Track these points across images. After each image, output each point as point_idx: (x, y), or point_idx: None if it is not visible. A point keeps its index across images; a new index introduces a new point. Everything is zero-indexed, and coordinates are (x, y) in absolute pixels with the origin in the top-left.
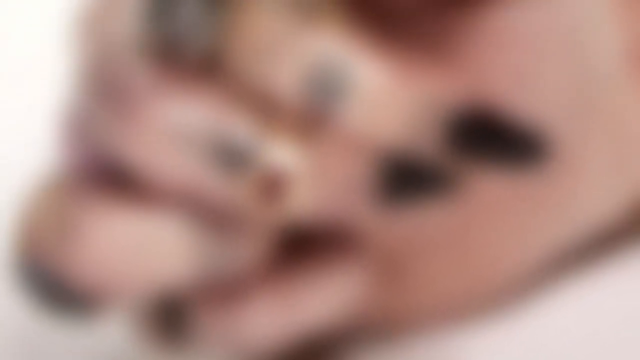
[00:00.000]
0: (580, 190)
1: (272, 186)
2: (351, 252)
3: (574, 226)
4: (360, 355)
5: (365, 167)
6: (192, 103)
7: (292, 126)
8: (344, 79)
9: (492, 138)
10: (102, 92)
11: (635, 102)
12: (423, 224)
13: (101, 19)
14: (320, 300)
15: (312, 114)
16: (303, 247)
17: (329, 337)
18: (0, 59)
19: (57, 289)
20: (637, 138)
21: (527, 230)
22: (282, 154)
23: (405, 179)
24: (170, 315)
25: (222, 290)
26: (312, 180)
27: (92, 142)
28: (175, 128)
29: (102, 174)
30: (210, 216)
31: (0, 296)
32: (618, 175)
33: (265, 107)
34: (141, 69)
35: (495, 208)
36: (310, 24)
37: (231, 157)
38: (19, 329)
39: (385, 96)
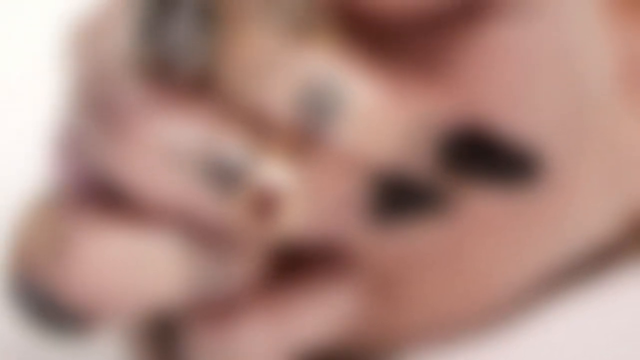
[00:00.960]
0: (573, 208)
1: (264, 204)
2: (344, 270)
3: (567, 244)
4: None
5: (358, 186)
6: (184, 121)
7: (285, 145)
8: (337, 97)
9: (485, 156)
10: (95, 110)
11: (628, 120)
12: (416, 242)
13: (94, 37)
14: (313, 318)
15: (304, 133)
16: (296, 265)
17: (322, 355)
18: None
19: (50, 307)
20: (630, 156)
21: (520, 249)
22: (275, 172)
23: (398, 197)
24: (164, 334)
25: (215, 309)
26: (305, 198)
27: (85, 160)
28: (168, 146)
29: (95, 192)
30: (203, 234)
31: None
32: (611, 193)
33: (258, 126)
34: (134, 87)
35: (488, 226)
36: (304, 43)
37: (224, 176)
38: (12, 346)
39: (378, 115)
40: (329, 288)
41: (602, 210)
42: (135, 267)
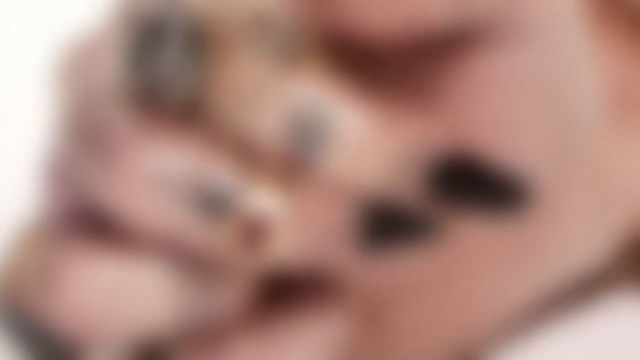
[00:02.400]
0: (561, 235)
1: (253, 232)
2: (332, 298)
3: (556, 272)
4: None
5: (346, 214)
6: (173, 149)
7: (274, 172)
8: (326, 125)
9: (473, 184)
10: (85, 138)
11: (617, 148)
12: (405, 270)
13: (83, 64)
14: (301, 346)
15: (293, 161)
16: (284, 293)
17: None
18: None
19: (39, 335)
20: (619, 183)
21: (508, 276)
22: (264, 200)
23: (387, 225)
24: None
25: (203, 337)
26: (294, 226)
27: (74, 187)
28: (157, 174)
29: (84, 220)
30: (192, 262)
31: None
32: (599, 220)
33: (247, 154)
34: (123, 115)
35: (476, 254)
36: (293, 71)
37: (213, 204)
38: None
39: (367, 143)
40: (318, 316)
41: (590, 237)
42: (124, 295)
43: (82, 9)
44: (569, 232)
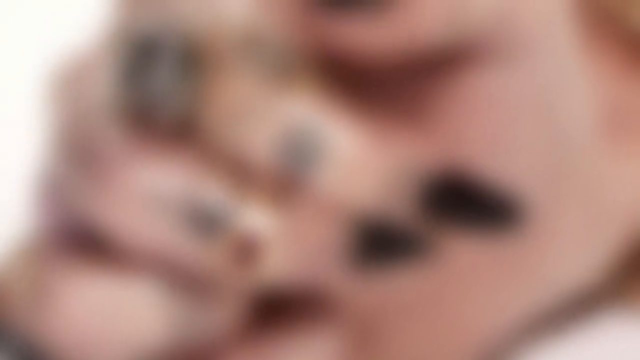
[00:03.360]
0: (554, 254)
1: (245, 251)
2: (325, 317)
3: (549, 290)
4: None
5: (339, 232)
6: (166, 168)
7: (266, 191)
8: (318, 144)
9: (466, 203)
10: (77, 156)
11: (610, 166)
12: (397, 289)
13: (75, 82)
14: None
15: (286, 179)
16: (277, 311)
17: None
18: None
19: (31, 354)
20: (612, 202)
21: (501, 295)
22: (256, 218)
23: (380, 244)
24: None
25: (197, 355)
26: (286, 245)
27: (67, 206)
28: (150, 193)
29: (76, 238)
30: (185, 281)
31: None
32: (593, 238)
33: (239, 172)
34: (116, 133)
35: (469, 272)
36: (285, 89)
37: (205, 222)
38: None
39: (360, 161)
40: (310, 334)
41: (583, 255)
42: (117, 315)
43: (75, 27)
44: (562, 251)
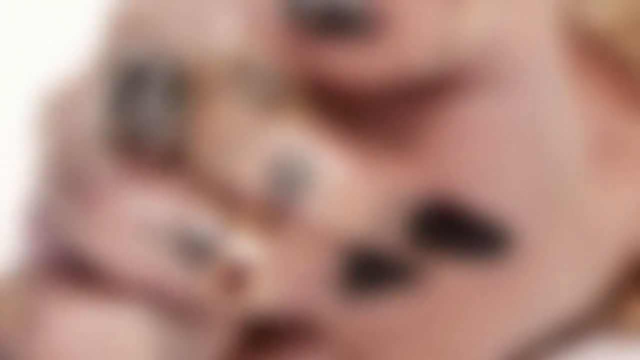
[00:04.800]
0: (544, 281)
1: (234, 279)
2: (315, 344)
3: (539, 317)
4: None
5: (328, 260)
6: (155, 195)
7: (256, 218)
8: (307, 172)
9: (455, 230)
10: (66, 183)
11: (598, 194)
12: (387, 316)
13: (65, 109)
14: None
15: (275, 207)
16: (267, 339)
17: None
18: None
19: None
20: (601, 230)
21: (491, 322)
22: (245, 246)
23: (369, 271)
24: None
25: None
26: (275, 272)
27: (56, 233)
28: (138, 220)
29: (65, 267)
30: (174, 309)
31: None
32: (582, 266)
33: (228, 200)
34: (104, 160)
35: (458, 300)
36: (275, 116)
37: (194, 250)
38: None
39: (349, 189)
40: None
41: (572, 283)
42: (106, 343)
43: (64, 53)
44: (551, 278)
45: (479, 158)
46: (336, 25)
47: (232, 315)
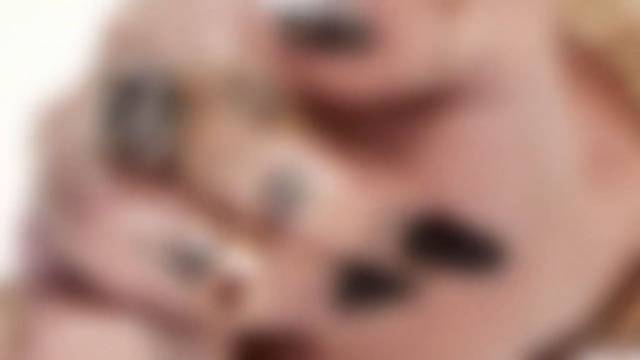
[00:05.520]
0: (538, 295)
1: (229, 293)
2: (309, 358)
3: (533, 331)
4: None
5: (322, 274)
6: (149, 209)
7: (250, 233)
8: (302, 185)
9: (450, 244)
10: (60, 197)
11: (594, 207)
12: (381, 330)
13: (59, 123)
14: None
15: (270, 221)
16: (261, 353)
17: None
18: None
19: None
20: (595, 243)
21: (485, 336)
22: (240, 260)
23: (363, 285)
24: None
25: None
26: (270, 286)
27: (50, 247)
28: (133, 235)
29: (59, 280)
30: (168, 323)
31: None
32: (576, 280)
33: (223, 214)
34: (99, 174)
35: (453, 314)
36: (269, 131)
37: (189, 264)
38: None
39: (343, 203)
40: None
41: (567, 297)
42: (100, 357)
43: (58, 68)
44: (546, 291)
45: (473, 172)
46: (330, 38)
47: (227, 329)
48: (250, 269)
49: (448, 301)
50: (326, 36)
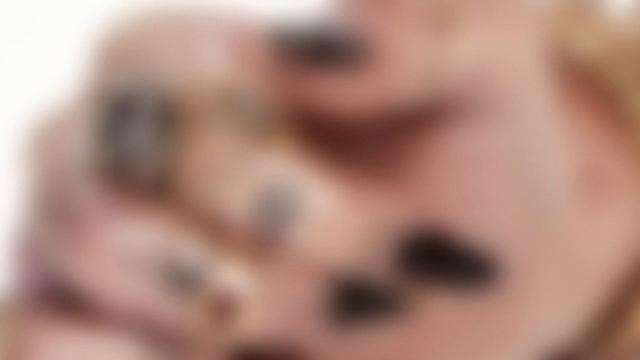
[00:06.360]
0: (531, 311)
1: (222, 308)
2: None
3: (526, 348)
4: None
5: (315, 290)
6: (142, 225)
7: (243, 248)
8: (295, 201)
9: (443, 261)
10: (54, 213)
11: (586, 224)
12: (374, 346)
13: (52, 140)
14: None
15: (263, 236)
16: None
17: None
18: None
19: None
20: (588, 259)
21: (478, 352)
22: (233, 276)
23: (357, 301)
24: None
25: None
26: (263, 302)
27: (43, 263)
28: (126, 250)
29: (53, 296)
30: (161, 338)
31: None
32: (569, 296)
33: (216, 230)
34: (92, 191)
35: (446, 330)
36: (262, 146)
37: (182, 280)
38: None
39: (337, 219)
40: None
41: (560, 313)
42: None
43: (51, 85)
44: (539, 308)
45: (466, 188)
46: (323, 55)
47: (220, 344)
48: (244, 284)
49: (441, 317)
50: (319, 52)
